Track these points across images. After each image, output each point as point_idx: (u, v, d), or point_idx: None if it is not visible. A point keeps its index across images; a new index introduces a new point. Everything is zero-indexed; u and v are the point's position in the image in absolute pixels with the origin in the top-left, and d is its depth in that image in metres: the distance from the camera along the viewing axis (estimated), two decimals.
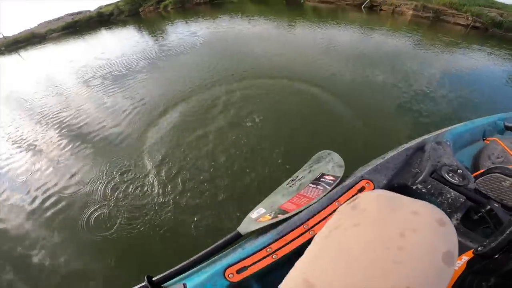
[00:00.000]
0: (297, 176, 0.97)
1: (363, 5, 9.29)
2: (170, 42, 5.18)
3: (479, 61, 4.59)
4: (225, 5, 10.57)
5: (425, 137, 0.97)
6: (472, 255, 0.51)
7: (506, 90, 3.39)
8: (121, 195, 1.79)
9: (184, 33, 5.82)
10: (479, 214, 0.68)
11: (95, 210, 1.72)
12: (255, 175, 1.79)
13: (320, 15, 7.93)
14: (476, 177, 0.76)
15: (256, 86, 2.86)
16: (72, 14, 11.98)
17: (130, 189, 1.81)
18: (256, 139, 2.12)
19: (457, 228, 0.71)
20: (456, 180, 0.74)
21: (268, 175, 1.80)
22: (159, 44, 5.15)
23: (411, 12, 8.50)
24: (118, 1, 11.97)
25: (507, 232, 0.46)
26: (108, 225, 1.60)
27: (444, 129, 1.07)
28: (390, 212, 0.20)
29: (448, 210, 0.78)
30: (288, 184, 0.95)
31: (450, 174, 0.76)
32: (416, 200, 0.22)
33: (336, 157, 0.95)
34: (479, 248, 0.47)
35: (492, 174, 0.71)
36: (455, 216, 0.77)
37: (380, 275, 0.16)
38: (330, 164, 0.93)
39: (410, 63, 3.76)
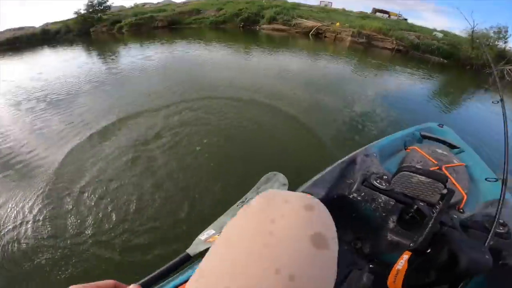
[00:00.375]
0: (246, 197, 1.03)
1: (310, 33, 10.51)
2: (120, 65, 4.96)
3: (403, 81, 5.43)
4: (184, 30, 10.80)
5: (356, 151, 1.09)
6: (410, 253, 0.55)
7: (424, 105, 4.04)
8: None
9: (137, 56, 5.61)
10: (410, 214, 0.73)
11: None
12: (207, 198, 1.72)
13: (274, 42, 8.63)
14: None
15: (207, 112, 2.81)
16: (14, 30, 10.90)
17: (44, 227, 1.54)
18: (211, 163, 2.05)
19: (394, 229, 0.75)
20: (384, 186, 0.83)
21: (220, 197, 1.73)
22: (108, 67, 4.86)
23: (349, 38, 9.90)
24: (68, 19, 11.40)
25: (429, 225, 0.51)
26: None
27: (371, 143, 1.20)
28: (266, 203, 0.22)
29: (383, 214, 0.86)
30: (237, 205, 0.99)
31: (378, 181, 0.85)
32: (292, 192, 0.23)
33: (281, 177, 1.04)
34: (411, 245, 0.50)
35: (400, 173, 0.77)
36: (391, 218, 0.84)
37: (254, 259, 0.18)
38: (276, 184, 1.01)
39: (350, 86, 4.22)
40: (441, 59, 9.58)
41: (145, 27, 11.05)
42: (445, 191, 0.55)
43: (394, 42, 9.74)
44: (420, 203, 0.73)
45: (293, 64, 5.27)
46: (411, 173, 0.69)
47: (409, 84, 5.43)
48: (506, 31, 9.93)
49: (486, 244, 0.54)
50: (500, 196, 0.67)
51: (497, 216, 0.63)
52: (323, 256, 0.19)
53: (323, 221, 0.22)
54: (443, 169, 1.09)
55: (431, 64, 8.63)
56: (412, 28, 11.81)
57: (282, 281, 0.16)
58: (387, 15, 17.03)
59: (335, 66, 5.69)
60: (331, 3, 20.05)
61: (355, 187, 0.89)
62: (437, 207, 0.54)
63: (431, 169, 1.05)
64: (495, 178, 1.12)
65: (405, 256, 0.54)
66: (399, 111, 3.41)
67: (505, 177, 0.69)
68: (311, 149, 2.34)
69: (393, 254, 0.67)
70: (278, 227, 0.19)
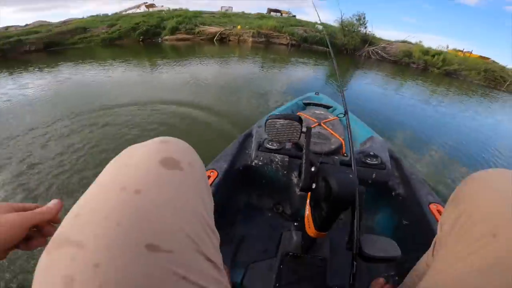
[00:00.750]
0: None
1: (214, 39, 10.86)
2: None
3: (302, 71, 6.37)
4: (68, 51, 9.13)
5: (253, 125, 1.18)
6: (309, 196, 0.60)
7: (317, 85, 4.88)
8: None
9: (7, 87, 4.38)
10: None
11: None
12: None
13: (179, 52, 8.46)
14: None
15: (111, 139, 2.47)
16: None
17: None
18: None
19: (298, 183, 0.79)
20: (275, 146, 0.93)
21: None
22: None
23: (251, 39, 10.77)
24: None
25: (303, 162, 0.53)
26: None
27: (265, 116, 1.27)
28: (131, 148, 0.26)
29: (285, 172, 0.93)
30: None
31: (270, 143, 0.95)
32: None
33: None
34: (300, 184, 0.53)
35: (267, 122, 0.80)
36: (293, 174, 0.91)
37: (109, 186, 0.21)
38: None
39: (260, 83, 4.53)
40: (325, 48, 11.63)
41: (12, 53, 8.93)
42: (304, 129, 0.59)
43: (288, 38, 11.21)
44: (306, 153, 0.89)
45: (204, 71, 5.30)
46: (274, 120, 0.72)
47: (308, 73, 6.41)
48: (364, 18, 12.57)
49: (352, 168, 0.59)
50: (347, 128, 0.73)
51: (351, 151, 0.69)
52: (173, 175, 0.23)
53: (177, 149, 0.25)
54: (322, 124, 1.24)
55: (318, 53, 10.34)
56: (300, 23, 13.77)
57: (128, 195, 0.19)
58: (279, 14, 19.28)
59: (243, 66, 6.12)
60: (232, 7, 21.14)
61: (253, 154, 0.96)
62: (304, 147, 0.59)
63: (312, 126, 1.20)
64: (365, 125, 1.39)
65: (308, 200, 0.60)
66: (295, 92, 3.97)
67: (347, 123, 0.79)
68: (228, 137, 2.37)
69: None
70: (133, 158, 0.23)
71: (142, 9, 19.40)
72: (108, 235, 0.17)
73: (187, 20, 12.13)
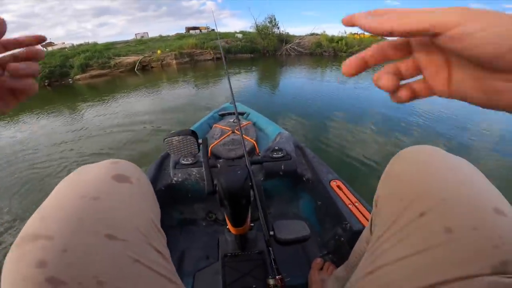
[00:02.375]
0: None
1: (135, 68, 10.21)
2: None
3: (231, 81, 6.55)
4: None
5: None
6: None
7: (241, 92, 5.10)
8: None
9: None
10: None
11: None
12: None
13: (98, 90, 7.59)
14: None
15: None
16: None
17: None
18: None
19: None
20: (190, 161, 0.98)
21: None
22: None
23: (174, 61, 10.53)
24: None
25: (203, 170, 0.58)
26: None
27: None
28: (85, 168, 0.32)
29: (204, 183, 0.90)
30: None
31: (185, 159, 0.99)
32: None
33: None
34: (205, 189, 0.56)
35: (164, 141, 0.77)
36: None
37: (74, 187, 0.27)
38: None
39: (196, 105, 4.41)
40: (249, 54, 12.30)
41: None
42: (200, 140, 0.63)
43: (211, 52, 11.41)
44: (220, 161, 0.83)
45: (135, 106, 4.85)
46: (170, 138, 0.73)
47: (232, 80, 6.60)
48: (275, 19, 13.67)
49: (245, 165, 0.62)
50: (240, 128, 0.77)
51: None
52: (125, 186, 0.29)
53: (126, 168, 0.31)
54: (236, 131, 1.28)
55: (243, 61, 10.85)
56: (220, 35, 14.19)
57: (87, 201, 0.24)
58: (199, 31, 19.49)
59: (174, 92, 5.88)
60: (147, 33, 20.32)
61: (171, 172, 0.99)
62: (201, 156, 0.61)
63: (226, 135, 1.25)
64: (274, 124, 1.47)
65: None
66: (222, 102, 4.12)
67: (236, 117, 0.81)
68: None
69: None
70: (89, 174, 0.28)
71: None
72: (72, 228, 0.22)
73: (97, 54, 11.05)
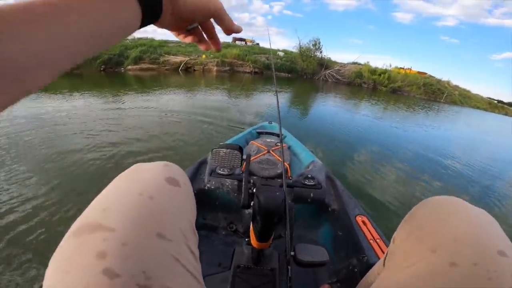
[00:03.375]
0: None
1: (180, 68, 11.02)
2: None
3: (265, 98, 6.76)
4: None
5: (208, 154, 1.24)
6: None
7: (273, 112, 5.18)
8: None
9: None
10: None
11: None
12: None
13: (144, 82, 8.30)
14: None
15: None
16: None
17: None
18: None
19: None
20: (226, 172, 1.03)
21: None
22: None
23: (215, 68, 11.16)
24: None
25: (243, 184, 0.63)
26: None
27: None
28: (140, 166, 0.35)
29: (235, 194, 1.03)
30: None
31: (221, 169, 1.04)
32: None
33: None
34: (241, 202, 0.60)
35: (213, 151, 0.85)
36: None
37: (132, 183, 0.30)
38: None
39: (230, 113, 4.64)
40: (286, 74, 12.53)
41: None
42: (244, 156, 0.67)
43: (251, 66, 11.87)
44: (254, 177, 0.91)
45: (176, 104, 5.15)
46: (218, 149, 0.80)
47: (270, 99, 6.78)
48: (319, 42, 13.81)
49: (281, 186, 0.64)
50: (281, 154, 0.78)
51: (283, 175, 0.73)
52: (175, 189, 0.32)
53: (176, 172, 0.35)
54: (271, 151, 1.35)
55: (280, 79, 11.06)
56: (263, 51, 14.69)
57: (144, 199, 0.27)
58: (244, 42, 20.44)
59: (208, 97, 6.21)
60: None
61: (206, 179, 1.05)
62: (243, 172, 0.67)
63: (262, 153, 1.33)
64: (308, 151, 1.49)
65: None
66: (255, 119, 4.18)
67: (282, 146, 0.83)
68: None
69: None
70: (145, 174, 0.32)
71: None
72: (132, 224, 0.24)
73: (151, 50, 12.15)
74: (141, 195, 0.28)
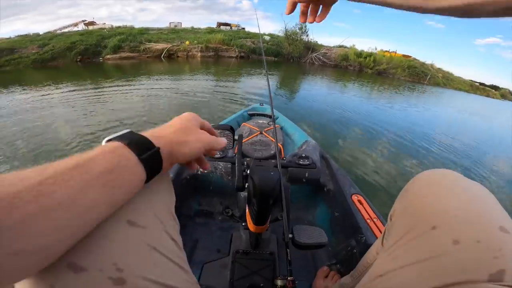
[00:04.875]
0: None
1: (162, 55, 10.62)
2: None
3: (254, 81, 6.66)
4: None
5: None
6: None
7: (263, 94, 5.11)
8: None
9: None
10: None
11: None
12: None
13: (123, 71, 7.99)
14: None
15: None
16: None
17: None
18: None
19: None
20: (218, 154, 0.98)
21: None
22: None
23: (199, 54, 10.82)
24: None
25: (236, 165, 0.58)
26: None
27: None
28: None
29: (229, 177, 1.01)
30: None
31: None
32: None
33: None
34: (235, 184, 0.56)
35: None
36: None
37: None
38: None
39: (220, 96, 4.55)
40: (273, 57, 12.35)
41: None
42: (236, 137, 0.64)
43: (236, 50, 11.59)
44: (247, 159, 0.87)
45: (160, 91, 4.94)
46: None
47: (255, 80, 6.66)
48: (306, 26, 13.50)
49: (276, 167, 0.63)
50: (274, 134, 0.77)
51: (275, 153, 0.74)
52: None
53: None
54: (263, 132, 1.34)
55: (267, 63, 10.86)
56: (249, 35, 14.35)
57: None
58: (229, 27, 19.88)
59: (195, 82, 6.05)
60: (181, 23, 21.03)
61: None
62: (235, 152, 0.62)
63: (254, 134, 1.31)
64: (301, 131, 1.47)
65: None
66: (244, 103, 4.10)
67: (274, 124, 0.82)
68: None
69: None
70: None
71: (81, 27, 18.00)
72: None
73: (131, 38, 11.63)
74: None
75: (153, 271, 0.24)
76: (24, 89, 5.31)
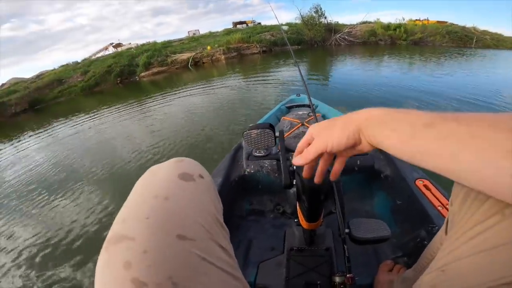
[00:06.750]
0: None
1: (189, 64, 11.04)
2: None
3: (284, 72, 6.57)
4: (52, 107, 8.98)
5: (242, 138, 1.21)
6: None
7: (297, 84, 5.04)
8: None
9: (10, 155, 4.20)
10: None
11: None
12: None
13: (160, 86, 8.36)
14: None
15: None
16: None
17: None
18: None
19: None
20: (262, 153, 0.99)
21: None
22: None
23: (223, 56, 11.00)
24: None
25: (281, 163, 0.57)
26: None
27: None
28: (154, 168, 0.33)
29: (276, 175, 0.99)
30: None
31: (258, 152, 1.00)
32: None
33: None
34: (283, 182, 0.55)
35: (243, 132, 0.85)
36: None
37: (147, 187, 0.29)
38: None
39: (254, 95, 4.60)
40: (296, 46, 11.99)
41: (1, 118, 8.65)
42: (277, 134, 0.64)
43: (257, 46, 11.51)
44: (292, 154, 0.90)
45: (196, 99, 5.18)
46: (249, 131, 0.76)
47: (284, 71, 6.55)
48: (321, 8, 12.85)
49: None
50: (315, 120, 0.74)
51: None
52: (190, 184, 0.31)
53: (189, 166, 0.33)
54: (305, 123, 1.28)
55: (291, 53, 10.61)
56: (266, 29, 14.15)
57: (160, 201, 0.26)
58: (245, 25, 19.79)
59: (226, 85, 6.14)
60: (198, 30, 21.60)
61: (244, 164, 1.02)
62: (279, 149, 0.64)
63: (296, 127, 1.25)
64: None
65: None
66: (281, 95, 4.07)
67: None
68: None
69: None
70: (158, 174, 0.31)
71: (110, 50, 19.58)
72: (150, 230, 0.24)
73: (157, 53, 12.31)
74: (156, 197, 0.27)
75: (205, 281, 0.25)
76: (81, 117, 5.90)
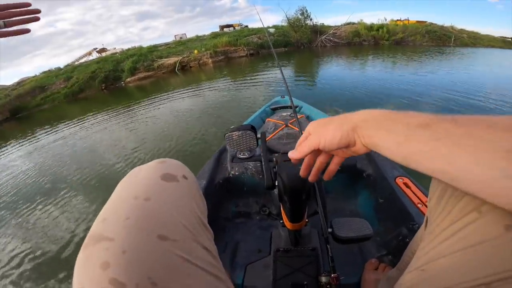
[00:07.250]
0: None
1: (176, 69, 10.91)
2: None
3: (270, 74, 6.62)
4: (35, 115, 8.65)
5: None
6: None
7: (282, 86, 5.05)
8: None
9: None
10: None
11: None
12: None
13: (146, 91, 8.18)
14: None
15: None
16: None
17: None
18: None
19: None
20: (247, 155, 1.00)
21: None
22: None
23: (210, 60, 10.95)
24: None
25: (263, 164, 0.58)
26: None
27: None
28: (136, 169, 0.33)
29: (260, 176, 1.00)
30: None
31: (241, 154, 1.01)
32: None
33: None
34: (265, 184, 0.55)
35: (225, 134, 0.83)
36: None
37: (128, 188, 0.28)
38: None
39: (240, 97, 4.63)
40: (283, 48, 12.13)
41: None
42: (259, 135, 0.64)
43: (244, 49, 11.55)
44: (275, 155, 0.88)
45: (183, 103, 5.10)
46: (230, 134, 0.77)
47: (270, 74, 6.60)
48: (307, 10, 13.07)
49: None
50: (297, 122, 0.75)
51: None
52: (173, 185, 0.30)
53: (172, 167, 0.33)
54: (289, 124, 1.28)
55: (278, 54, 10.71)
56: (253, 32, 14.23)
57: (140, 201, 0.26)
58: (232, 28, 19.84)
59: (213, 88, 6.10)
60: (185, 34, 21.45)
61: (229, 166, 1.03)
62: (261, 150, 0.63)
63: (280, 128, 1.26)
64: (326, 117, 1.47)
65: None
66: (266, 97, 4.07)
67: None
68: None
69: None
70: (140, 175, 0.30)
71: (94, 55, 19.03)
72: (130, 230, 0.23)
73: (143, 58, 12.07)
74: (136, 198, 0.26)
75: (187, 283, 0.24)
76: (66, 124, 5.71)
